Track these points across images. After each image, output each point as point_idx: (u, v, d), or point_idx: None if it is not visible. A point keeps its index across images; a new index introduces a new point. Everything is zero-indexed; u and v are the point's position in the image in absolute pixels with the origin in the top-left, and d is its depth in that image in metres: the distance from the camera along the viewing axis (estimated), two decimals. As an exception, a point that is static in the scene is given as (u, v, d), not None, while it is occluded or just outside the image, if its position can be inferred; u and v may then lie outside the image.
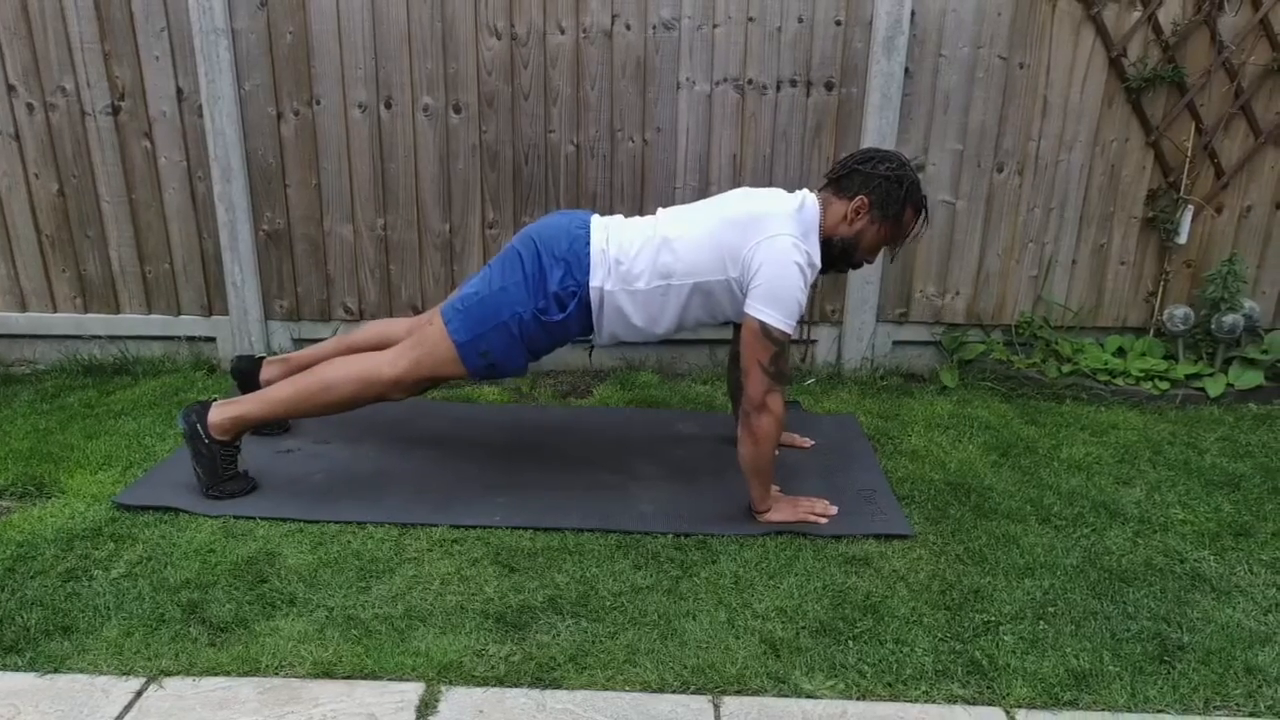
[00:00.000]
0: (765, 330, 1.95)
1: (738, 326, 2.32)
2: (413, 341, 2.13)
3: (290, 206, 2.95)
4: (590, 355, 2.54)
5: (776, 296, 1.95)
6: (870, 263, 2.20)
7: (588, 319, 2.10)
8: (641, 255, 2.05)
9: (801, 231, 2.01)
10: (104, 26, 2.79)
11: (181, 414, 2.15)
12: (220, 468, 2.15)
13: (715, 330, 3.04)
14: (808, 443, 2.49)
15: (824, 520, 2.10)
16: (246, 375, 2.49)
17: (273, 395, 2.14)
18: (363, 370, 2.11)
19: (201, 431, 2.12)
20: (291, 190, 2.94)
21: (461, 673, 1.60)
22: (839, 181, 2.10)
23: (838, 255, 2.10)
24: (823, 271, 2.17)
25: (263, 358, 2.53)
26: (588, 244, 2.06)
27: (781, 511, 2.11)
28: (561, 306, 2.07)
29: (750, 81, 2.86)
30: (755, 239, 1.98)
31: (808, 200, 2.06)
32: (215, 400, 2.16)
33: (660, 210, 2.18)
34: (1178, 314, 2.98)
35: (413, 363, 2.10)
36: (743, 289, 2.01)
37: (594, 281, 2.05)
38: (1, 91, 2.85)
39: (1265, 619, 1.78)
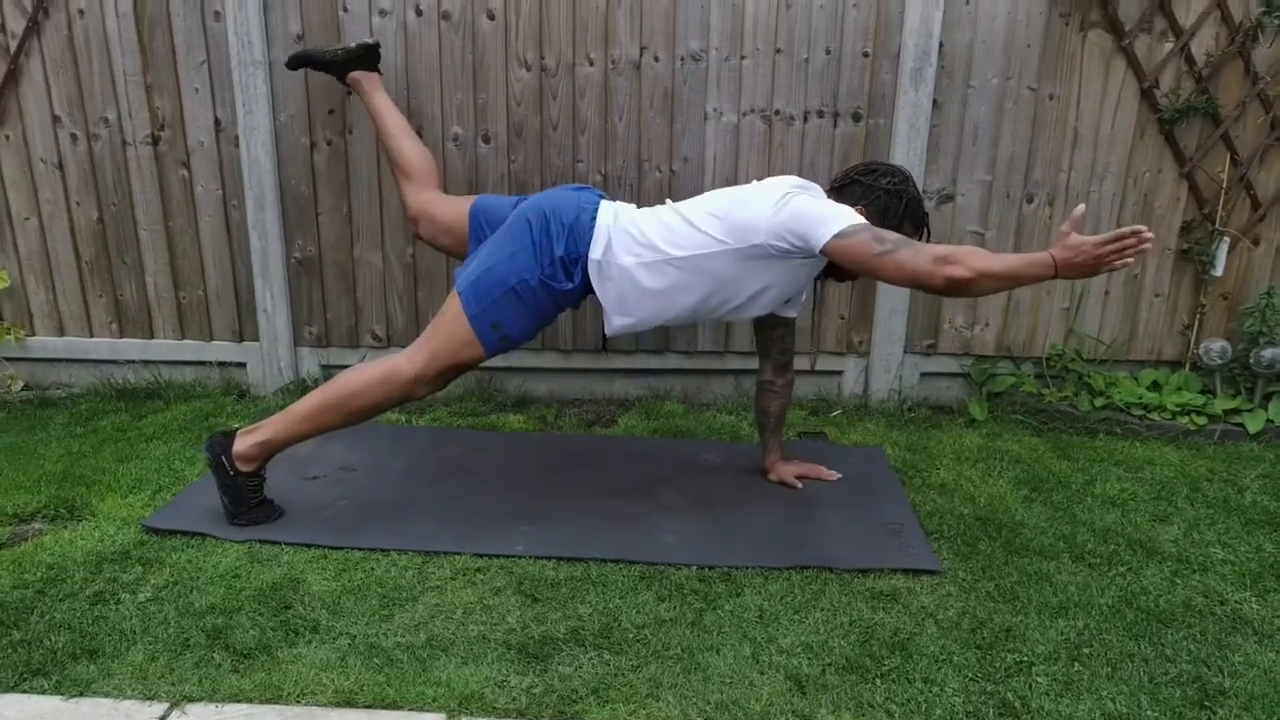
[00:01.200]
0: (841, 236, 1.88)
1: (766, 332, 2.34)
2: (425, 335, 2.13)
3: (321, 234, 3.00)
4: (604, 344, 2.52)
5: (818, 219, 1.92)
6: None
7: (591, 288, 2.11)
8: (651, 229, 2.07)
9: (804, 188, 2.07)
10: (146, 59, 2.87)
11: (205, 444, 2.16)
12: (245, 496, 2.16)
13: (741, 360, 3.04)
14: (834, 475, 2.46)
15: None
16: (362, 60, 2.65)
17: (295, 411, 2.14)
18: (382, 372, 2.10)
19: (226, 463, 2.13)
20: (323, 218, 2.98)
21: (483, 704, 1.58)
22: (840, 190, 2.13)
23: (833, 266, 2.11)
24: (821, 279, 2.20)
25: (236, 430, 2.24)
26: (594, 217, 2.09)
27: (1076, 266, 1.71)
28: (568, 274, 2.08)
29: (778, 112, 2.87)
30: (768, 206, 1.98)
31: (816, 187, 2.12)
32: (239, 429, 2.17)
33: (668, 202, 2.21)
34: (1215, 348, 2.92)
35: (430, 354, 2.09)
36: (780, 252, 1.99)
37: (593, 254, 2.06)
38: (47, 122, 2.93)
39: (1311, 665, 1.72)
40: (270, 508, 2.20)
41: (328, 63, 2.64)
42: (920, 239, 2.12)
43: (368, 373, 2.11)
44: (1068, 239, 1.72)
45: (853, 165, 2.18)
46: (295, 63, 2.67)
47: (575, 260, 2.07)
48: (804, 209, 1.96)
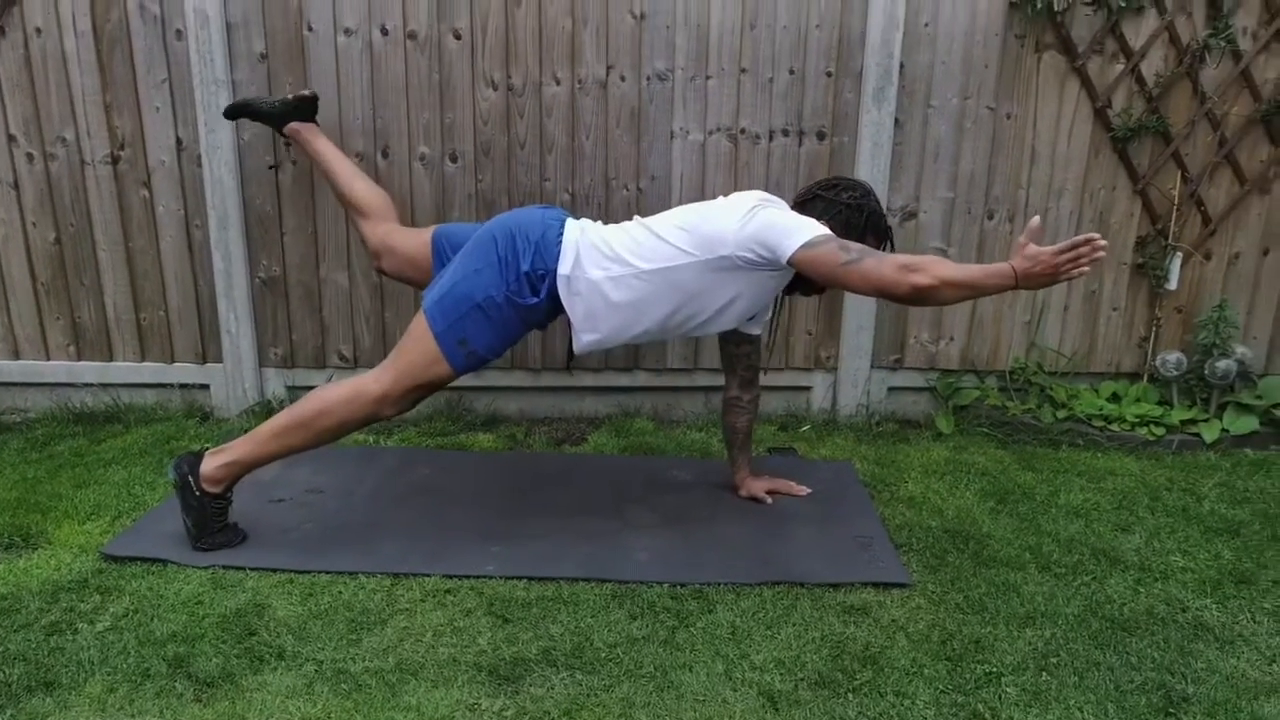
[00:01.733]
0: (808, 247, 1.91)
1: (732, 349, 2.36)
2: (392, 354, 2.11)
3: (286, 254, 2.97)
4: (569, 364, 2.53)
5: (784, 230, 1.96)
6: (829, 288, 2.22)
7: (559, 306, 2.11)
8: (618, 244, 2.08)
9: (770, 200, 2.09)
10: (105, 78, 2.83)
11: (173, 464, 2.12)
12: (210, 519, 2.12)
13: (710, 376, 3.05)
14: (804, 490, 2.47)
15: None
16: (298, 111, 2.61)
17: (263, 432, 2.11)
18: (349, 391, 2.07)
19: (193, 483, 2.10)
20: (288, 238, 2.95)
21: (453, 729, 1.56)
22: (803, 205, 2.16)
23: (800, 280, 2.13)
24: (786, 293, 2.23)
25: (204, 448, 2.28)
26: (560, 233, 2.09)
27: (1035, 276, 1.76)
28: (534, 289, 2.07)
29: (743, 131, 2.90)
30: (734, 219, 2.01)
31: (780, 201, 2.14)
32: (207, 450, 2.14)
33: (636, 218, 2.22)
34: (1170, 359, 2.99)
35: (397, 373, 2.07)
36: (747, 264, 2.01)
37: (561, 269, 2.06)
38: (2, 142, 2.87)
39: (1270, 669, 1.76)
40: (234, 532, 2.16)
41: (265, 114, 2.60)
42: (884, 249, 2.16)
43: (335, 392, 2.09)
44: (1025, 249, 1.76)
45: (815, 180, 2.21)
46: (233, 113, 2.63)
47: (542, 275, 2.07)
48: (771, 220, 1.99)
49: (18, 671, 1.69)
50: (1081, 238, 1.71)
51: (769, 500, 2.42)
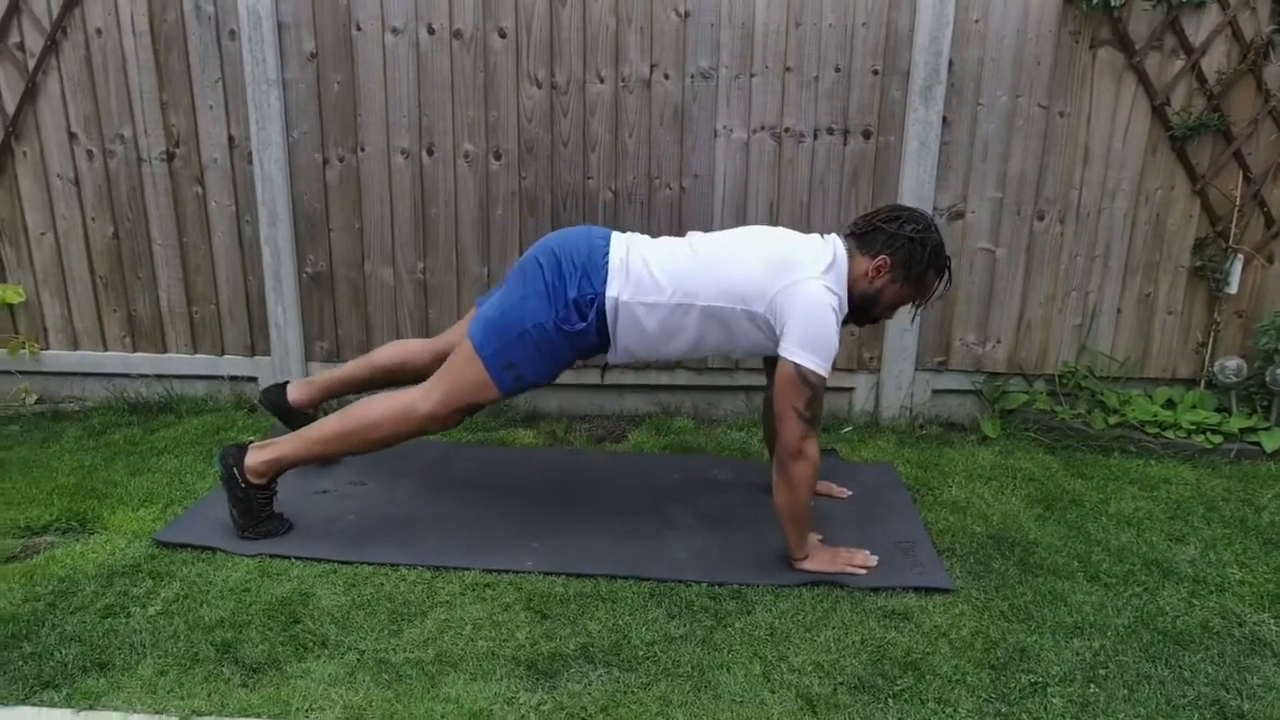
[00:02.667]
0: (801, 374, 1.93)
1: (773, 367, 2.31)
2: (441, 371, 2.13)
3: (333, 250, 3.02)
4: (604, 374, 2.54)
5: (812, 340, 1.94)
6: (889, 319, 2.21)
7: (607, 329, 2.09)
8: (666, 269, 2.05)
9: (834, 276, 2.01)
10: (162, 77, 2.90)
11: (219, 456, 2.18)
12: (255, 509, 2.16)
13: (751, 375, 3.03)
14: (845, 493, 2.44)
15: (863, 571, 2.05)
16: (277, 405, 2.54)
17: (310, 435, 2.15)
18: (397, 408, 2.12)
19: (238, 475, 2.14)
20: (335, 234, 3.00)
21: (491, 722, 1.57)
22: (862, 238, 2.08)
23: (856, 307, 2.09)
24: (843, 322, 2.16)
25: (286, 382, 2.57)
26: (606, 254, 2.06)
27: (819, 560, 2.07)
28: (581, 315, 2.05)
29: (788, 129, 2.88)
30: (786, 281, 1.98)
31: (839, 252, 2.05)
32: (253, 443, 2.19)
33: (691, 234, 2.18)
34: (1230, 365, 2.90)
35: (445, 394, 2.10)
36: (771, 328, 2.00)
37: (610, 291, 2.04)
38: (64, 139, 2.97)
39: (1332, 687, 1.70)
40: (280, 521, 2.20)
41: (283, 418, 2.54)
42: (941, 284, 2.12)
43: (384, 406, 2.13)
44: (820, 548, 2.11)
45: (875, 211, 2.13)
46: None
47: (590, 300, 2.05)
48: (816, 324, 1.95)
49: (73, 652, 1.74)
50: (863, 560, 2.07)
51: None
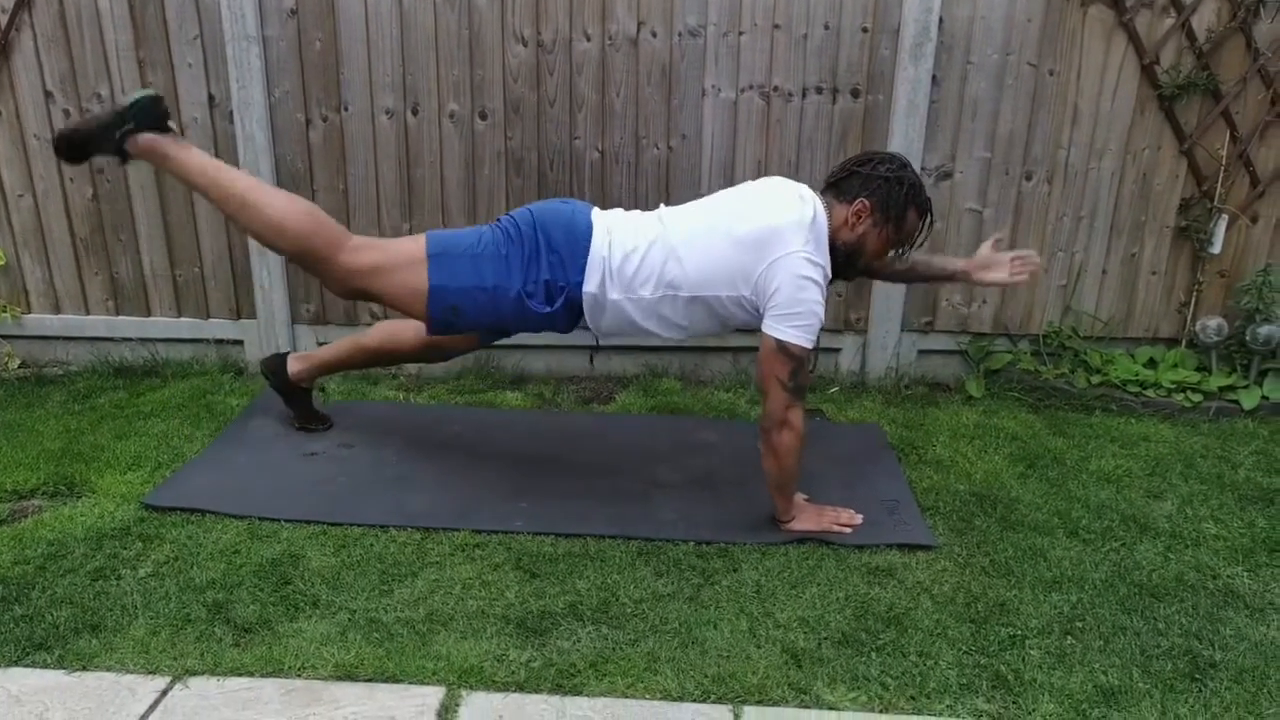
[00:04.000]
0: (783, 347, 1.93)
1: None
2: (387, 245, 2.05)
3: (318, 211, 2.98)
4: (592, 360, 2.55)
5: (794, 313, 1.93)
6: (876, 269, 2.19)
7: (574, 318, 2.07)
8: (646, 263, 2.00)
9: (815, 244, 1.97)
10: (139, 34, 2.84)
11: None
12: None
13: (739, 337, 3.04)
14: (1030, 268, 2.29)
15: (848, 530, 2.08)
16: (278, 376, 2.54)
17: (228, 174, 2.05)
18: (331, 234, 2.01)
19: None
20: (319, 195, 2.97)
21: (482, 678, 1.60)
22: (838, 185, 2.06)
23: (843, 261, 2.06)
24: (830, 280, 2.12)
25: (287, 353, 2.58)
26: (587, 246, 2.00)
27: (805, 520, 2.09)
28: (549, 299, 2.01)
29: (776, 88, 2.85)
30: (769, 259, 1.94)
31: (818, 209, 2.01)
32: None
33: (663, 208, 2.13)
34: (1211, 325, 2.93)
35: (374, 267, 2.00)
36: (756, 307, 2.00)
37: (588, 287, 2.00)
38: (39, 98, 2.90)
39: (1301, 638, 1.74)
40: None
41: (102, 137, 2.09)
42: (924, 225, 2.09)
43: (323, 222, 2.03)
44: (806, 506, 2.15)
45: (848, 158, 2.12)
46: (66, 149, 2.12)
47: (561, 288, 2.00)
48: (800, 299, 1.92)
49: (65, 614, 1.75)
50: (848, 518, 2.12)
51: (1010, 255, 2.27)
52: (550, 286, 2.01)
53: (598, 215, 2.07)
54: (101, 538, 2.02)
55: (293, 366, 2.52)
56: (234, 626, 1.73)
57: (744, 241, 1.97)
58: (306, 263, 2.07)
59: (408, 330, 2.35)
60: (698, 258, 1.99)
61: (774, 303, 1.94)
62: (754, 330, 2.03)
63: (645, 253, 2.01)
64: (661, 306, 2.04)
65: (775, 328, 1.94)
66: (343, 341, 2.51)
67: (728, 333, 2.16)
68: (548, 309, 2.02)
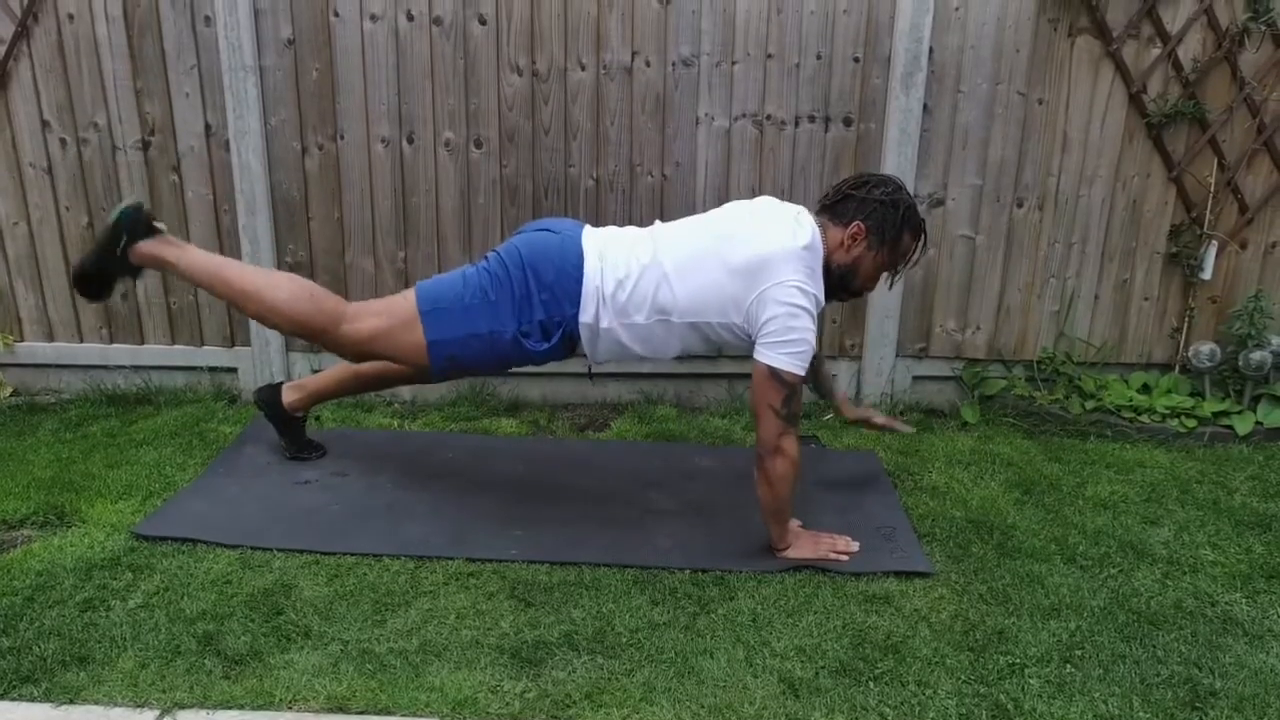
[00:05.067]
0: (775, 374, 1.93)
1: None
2: (382, 310, 2.08)
3: (313, 239, 2.99)
4: (591, 378, 2.56)
5: (786, 340, 1.93)
6: (870, 290, 2.17)
7: (570, 348, 2.09)
8: (639, 289, 2.00)
9: (807, 271, 1.96)
10: (137, 64, 2.86)
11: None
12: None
13: (734, 363, 3.05)
14: (909, 429, 2.58)
15: (845, 558, 2.07)
16: (272, 406, 2.52)
17: (221, 264, 2.14)
18: (328, 307, 2.07)
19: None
20: (315, 223, 2.98)
21: (476, 709, 1.58)
22: (833, 208, 2.07)
23: (837, 283, 2.07)
24: (823, 304, 2.13)
25: (282, 383, 2.56)
26: (579, 277, 1.99)
27: (802, 548, 2.08)
28: (546, 336, 2.03)
29: (769, 117, 2.88)
30: (760, 287, 1.94)
31: (814, 233, 2.01)
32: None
33: (658, 224, 2.14)
34: (1204, 350, 2.94)
35: (374, 333, 2.05)
36: (748, 334, 2.00)
37: (584, 318, 2.01)
38: (36, 127, 2.92)
39: (1301, 665, 1.73)
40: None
41: (110, 260, 2.16)
42: (919, 246, 2.11)
43: (318, 295, 2.09)
44: (802, 533, 2.12)
45: (843, 180, 2.13)
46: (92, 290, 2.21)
47: (558, 324, 2.02)
48: (790, 326, 1.92)
49: (52, 646, 1.73)
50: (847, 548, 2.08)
51: (881, 420, 2.51)
52: (545, 325, 2.02)
53: (589, 238, 2.06)
54: (91, 568, 2.00)
55: (288, 397, 2.51)
56: (224, 658, 1.70)
57: (737, 270, 1.97)
58: (311, 339, 2.14)
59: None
60: (690, 285, 2.00)
61: (766, 330, 1.95)
62: (747, 356, 2.04)
63: (638, 279, 2.01)
64: (654, 331, 2.04)
65: (767, 354, 1.94)
66: (337, 368, 2.50)
67: (718, 355, 2.18)
68: (545, 345, 2.04)
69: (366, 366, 2.43)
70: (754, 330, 1.98)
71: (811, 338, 1.96)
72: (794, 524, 2.13)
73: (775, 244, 1.97)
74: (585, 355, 2.12)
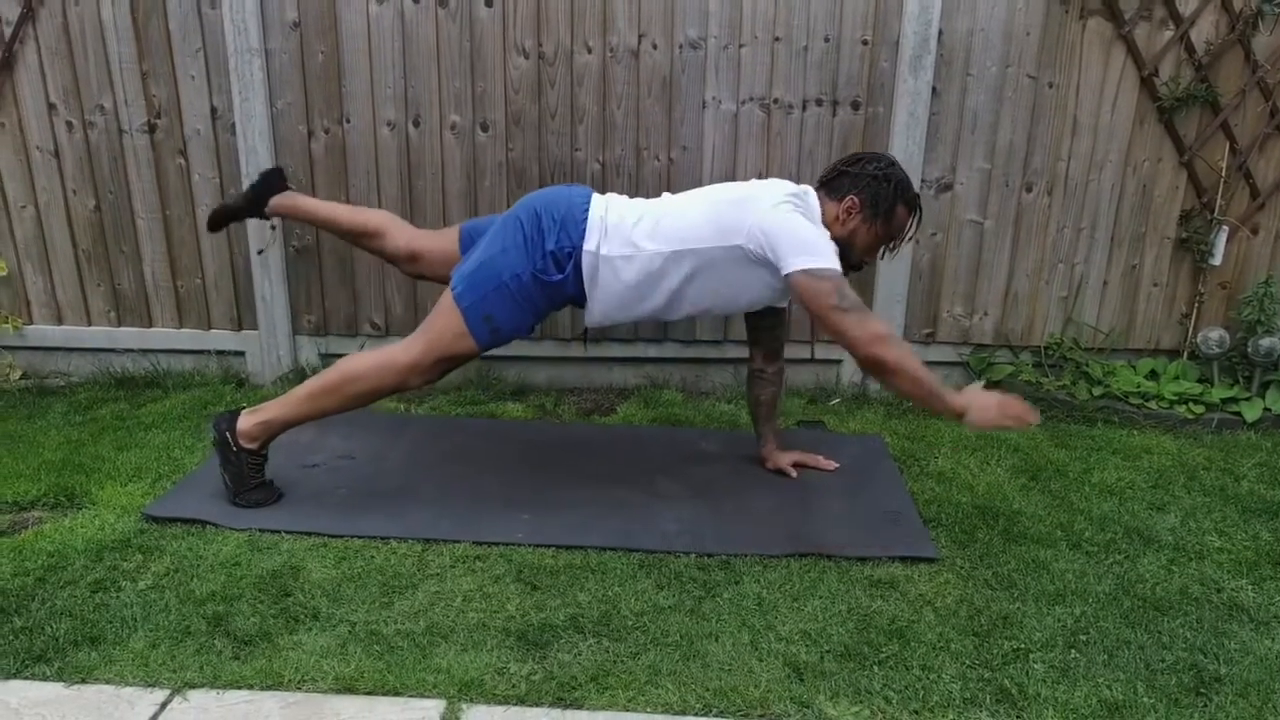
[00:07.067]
0: (812, 276, 1.95)
1: (756, 321, 2.34)
2: (423, 326, 2.14)
3: (320, 223, 2.99)
4: (585, 339, 2.57)
5: (800, 244, 1.97)
6: (869, 263, 2.23)
7: (583, 283, 2.12)
8: (641, 223, 2.09)
9: (801, 207, 2.05)
10: (142, 47, 2.85)
11: (212, 422, 2.19)
12: (247, 475, 2.17)
13: (739, 348, 3.04)
14: (832, 465, 2.46)
15: (1034, 420, 1.90)
16: (267, 188, 2.49)
17: (297, 394, 2.16)
18: (379, 360, 2.12)
19: (230, 439, 2.15)
20: (321, 207, 2.97)
21: (482, 691, 1.59)
22: (829, 185, 2.15)
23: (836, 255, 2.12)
24: None
25: (284, 176, 2.50)
26: (586, 210, 2.10)
27: (985, 412, 1.91)
28: (559, 266, 2.09)
29: (776, 101, 2.86)
30: (754, 211, 2.02)
31: (812, 194, 2.12)
32: (244, 408, 2.19)
33: (665, 194, 2.22)
34: (1213, 337, 2.92)
35: (425, 345, 2.11)
36: (760, 259, 2.02)
37: (588, 245, 2.08)
38: (42, 110, 2.92)
39: (1306, 651, 1.73)
40: (270, 490, 2.21)
41: (243, 209, 2.46)
42: (914, 220, 2.15)
43: (366, 360, 2.13)
44: (979, 394, 1.96)
45: (839, 159, 2.20)
46: (217, 223, 2.49)
47: (568, 253, 2.08)
48: (793, 227, 1.99)
49: (64, 626, 1.74)
50: (1029, 416, 1.91)
51: (794, 474, 2.42)
52: (557, 255, 2.08)
53: (596, 194, 2.18)
54: (101, 549, 2.01)
55: (280, 201, 2.44)
56: (234, 639, 1.72)
57: (733, 199, 2.08)
58: (392, 390, 2.15)
59: (402, 233, 2.40)
60: (689, 211, 2.09)
61: (775, 245, 1.99)
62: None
63: (641, 212, 2.12)
64: (654, 263, 2.07)
65: (792, 264, 1.97)
66: (339, 206, 2.52)
67: (725, 308, 2.17)
68: (560, 275, 2.09)
69: (368, 216, 2.45)
70: (768, 251, 2.00)
71: (823, 238, 2.00)
72: (975, 386, 2.17)
73: (769, 184, 2.11)
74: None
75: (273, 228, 2.85)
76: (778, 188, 2.09)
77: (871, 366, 1.95)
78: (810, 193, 2.12)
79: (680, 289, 2.10)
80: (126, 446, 2.55)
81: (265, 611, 1.80)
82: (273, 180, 2.47)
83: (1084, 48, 2.81)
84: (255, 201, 2.46)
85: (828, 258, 1.97)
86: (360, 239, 2.46)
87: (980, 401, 1.94)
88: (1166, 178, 2.92)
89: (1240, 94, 2.82)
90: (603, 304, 2.14)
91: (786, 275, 1.98)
